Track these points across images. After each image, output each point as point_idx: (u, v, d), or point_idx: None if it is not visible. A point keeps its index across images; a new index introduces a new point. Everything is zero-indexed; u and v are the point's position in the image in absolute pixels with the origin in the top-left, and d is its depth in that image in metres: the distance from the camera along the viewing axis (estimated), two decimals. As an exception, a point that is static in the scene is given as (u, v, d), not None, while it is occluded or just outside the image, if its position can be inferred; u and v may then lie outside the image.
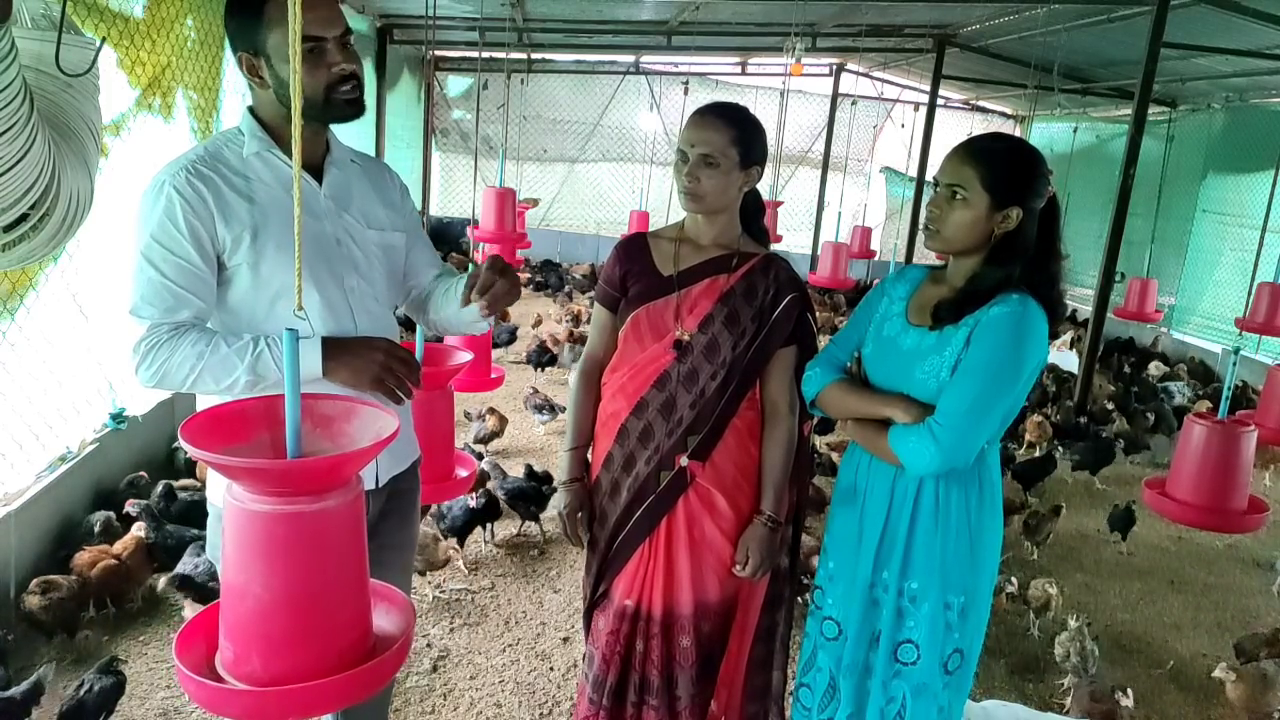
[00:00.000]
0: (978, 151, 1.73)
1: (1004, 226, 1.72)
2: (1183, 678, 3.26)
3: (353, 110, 1.59)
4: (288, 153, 1.58)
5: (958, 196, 1.72)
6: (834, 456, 4.50)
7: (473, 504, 3.61)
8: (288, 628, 0.93)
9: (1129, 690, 2.76)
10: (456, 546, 3.49)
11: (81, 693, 2.39)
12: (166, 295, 1.48)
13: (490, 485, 3.93)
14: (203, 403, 1.54)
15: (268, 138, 1.58)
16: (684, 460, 1.95)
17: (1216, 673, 2.85)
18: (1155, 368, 7.93)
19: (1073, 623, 3.09)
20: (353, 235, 1.66)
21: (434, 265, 1.88)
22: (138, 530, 3.17)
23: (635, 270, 2.01)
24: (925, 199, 1.81)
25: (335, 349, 1.49)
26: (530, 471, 4.14)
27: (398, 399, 1.51)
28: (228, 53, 4.57)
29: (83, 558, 3.02)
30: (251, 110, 1.61)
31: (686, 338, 1.94)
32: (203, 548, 3.03)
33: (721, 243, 1.99)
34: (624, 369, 2.00)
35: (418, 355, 2.19)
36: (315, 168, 1.65)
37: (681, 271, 1.97)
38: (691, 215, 1.99)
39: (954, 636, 1.83)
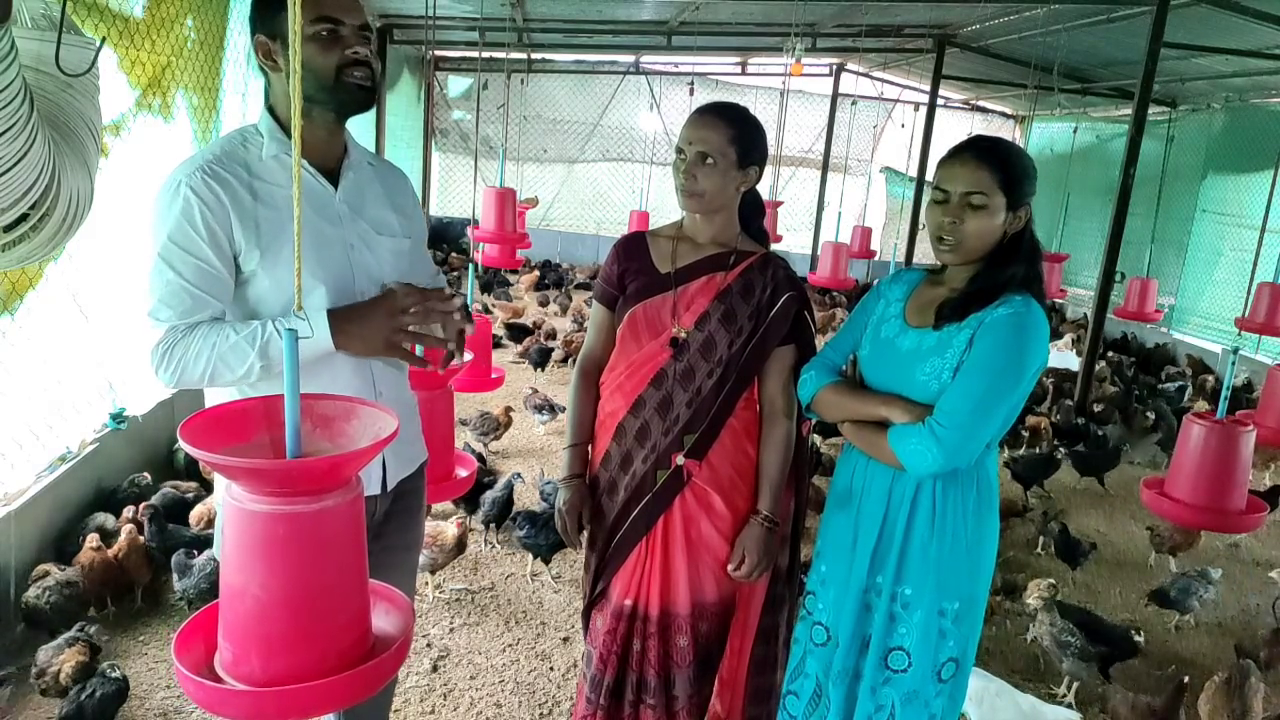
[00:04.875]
0: (987, 154, 1.69)
1: (1014, 227, 1.71)
2: (1182, 678, 3.26)
3: (364, 95, 1.57)
4: (305, 154, 1.57)
5: (976, 204, 1.67)
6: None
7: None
8: (286, 628, 0.93)
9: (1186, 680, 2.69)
10: (464, 516, 3.41)
11: (82, 697, 2.37)
12: (185, 298, 1.47)
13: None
14: (208, 402, 1.54)
15: (286, 139, 1.56)
16: (680, 459, 1.94)
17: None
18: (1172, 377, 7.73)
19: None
20: (366, 241, 1.65)
21: (428, 278, 1.81)
22: (127, 531, 3.16)
23: (633, 268, 2.01)
24: (925, 199, 1.79)
25: (340, 319, 1.49)
26: None
27: (422, 361, 1.51)
28: (228, 53, 4.61)
29: (82, 558, 3.01)
30: (271, 110, 1.59)
31: (683, 335, 1.94)
32: (190, 553, 3.02)
33: (719, 241, 1.98)
34: (621, 367, 2.00)
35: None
36: (332, 171, 1.63)
37: (679, 269, 1.97)
38: (690, 214, 1.98)
39: (948, 644, 1.79)
